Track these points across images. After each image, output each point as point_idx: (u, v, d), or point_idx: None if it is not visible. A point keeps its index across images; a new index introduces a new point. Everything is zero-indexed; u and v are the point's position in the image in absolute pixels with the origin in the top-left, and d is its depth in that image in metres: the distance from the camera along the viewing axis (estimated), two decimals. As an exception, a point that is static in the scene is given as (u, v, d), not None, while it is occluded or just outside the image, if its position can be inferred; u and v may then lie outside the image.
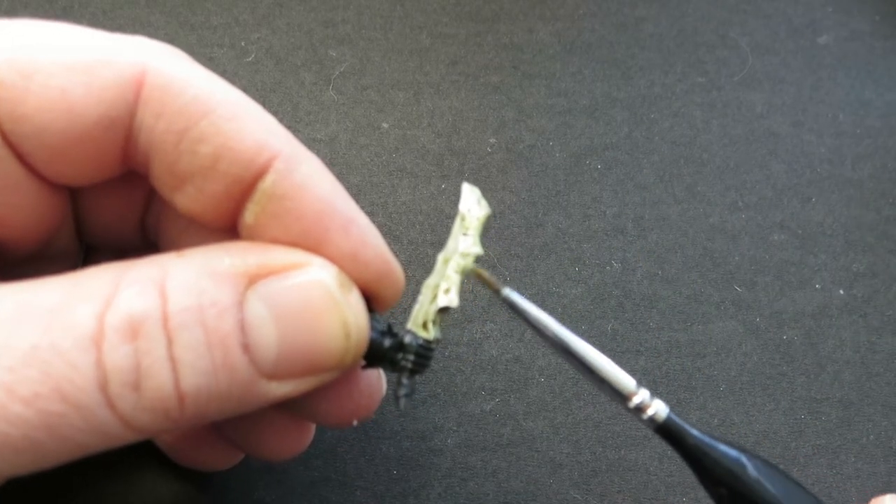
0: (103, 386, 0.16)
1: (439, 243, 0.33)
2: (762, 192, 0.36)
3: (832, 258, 0.34)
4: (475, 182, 0.35)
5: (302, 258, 0.19)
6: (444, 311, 0.22)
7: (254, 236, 0.20)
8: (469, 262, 0.22)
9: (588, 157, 0.36)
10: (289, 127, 0.38)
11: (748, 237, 0.34)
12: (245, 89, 0.37)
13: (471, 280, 0.32)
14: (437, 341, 0.22)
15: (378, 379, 0.24)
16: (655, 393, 0.30)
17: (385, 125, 0.36)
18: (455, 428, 0.29)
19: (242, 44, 0.38)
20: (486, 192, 0.35)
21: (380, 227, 0.34)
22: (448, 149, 0.36)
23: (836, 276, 0.34)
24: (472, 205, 0.22)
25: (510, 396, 0.30)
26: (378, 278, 0.21)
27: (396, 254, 0.33)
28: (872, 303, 0.33)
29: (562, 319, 0.32)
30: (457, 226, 0.22)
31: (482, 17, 0.40)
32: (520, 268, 0.33)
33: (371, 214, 0.34)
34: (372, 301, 0.21)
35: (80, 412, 0.16)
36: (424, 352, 0.22)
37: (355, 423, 0.23)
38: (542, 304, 0.32)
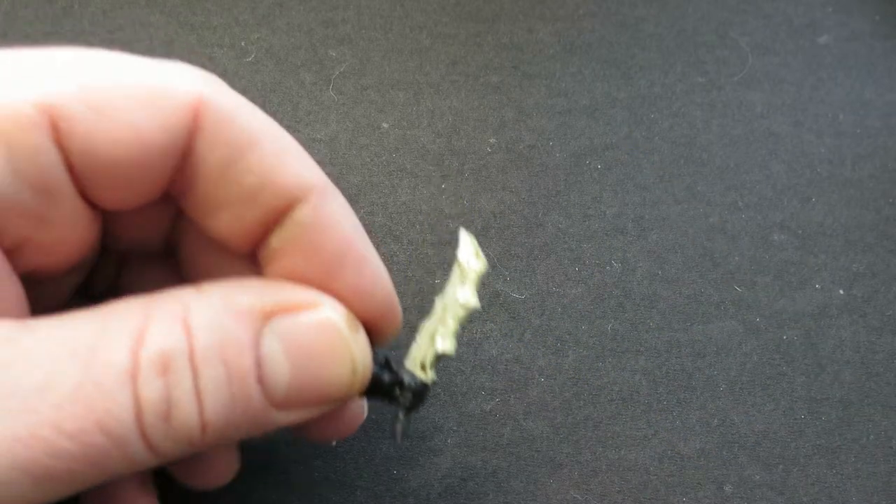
0: (139, 417, 0.17)
1: (439, 243, 0.33)
2: (762, 192, 0.36)
3: (832, 258, 0.34)
4: (475, 182, 0.35)
5: (314, 298, 0.20)
6: (440, 356, 0.23)
7: (274, 260, 0.21)
8: (465, 313, 0.23)
9: (588, 157, 0.36)
10: (289, 127, 0.38)
11: (748, 237, 0.34)
12: (245, 89, 0.37)
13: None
14: (433, 383, 0.23)
15: (360, 405, 0.25)
16: (656, 392, 0.31)
17: (385, 125, 0.36)
18: (455, 428, 0.29)
19: (242, 44, 0.38)
20: (486, 192, 0.35)
21: (380, 227, 0.34)
22: (448, 149, 0.36)
23: (836, 276, 0.34)
24: (470, 256, 0.23)
25: (510, 396, 0.30)
26: (382, 316, 0.22)
27: (396, 254, 0.33)
28: (872, 303, 0.33)
29: (562, 319, 0.32)
30: (455, 274, 0.23)
31: (482, 17, 0.40)
32: (520, 268, 0.33)
33: (371, 214, 0.34)
34: (371, 335, 0.22)
35: (117, 443, 0.17)
36: (421, 392, 0.23)
37: (334, 443, 0.25)
38: (542, 304, 0.32)
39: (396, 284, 0.31)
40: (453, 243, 0.33)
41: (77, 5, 0.38)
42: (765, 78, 0.39)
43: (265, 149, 0.19)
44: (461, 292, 0.23)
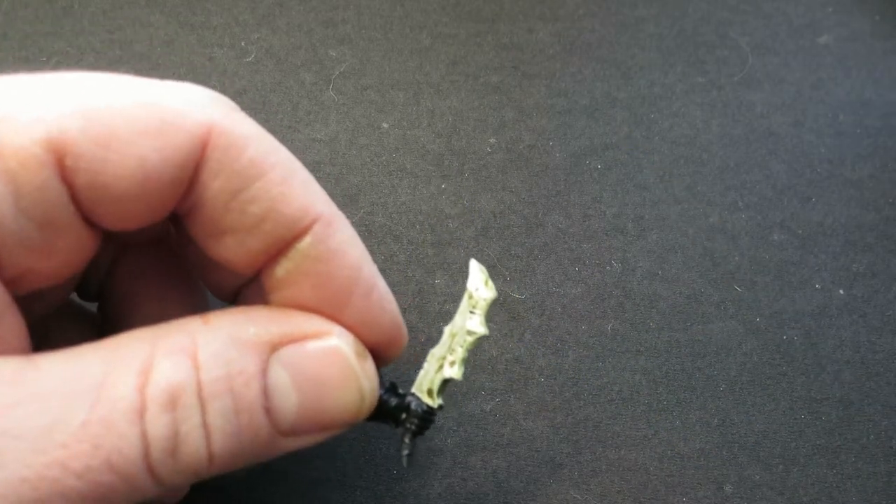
0: (146, 454, 0.17)
1: (439, 243, 0.33)
2: (762, 192, 0.36)
3: (832, 258, 0.34)
4: (475, 182, 0.35)
5: (322, 327, 0.21)
6: (447, 381, 0.23)
7: (280, 288, 0.21)
8: (473, 340, 0.23)
9: (588, 157, 0.36)
10: (289, 127, 0.38)
11: (748, 237, 0.34)
12: (245, 89, 0.37)
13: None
14: (440, 408, 0.24)
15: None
16: (656, 392, 0.31)
17: (385, 125, 0.36)
18: (455, 428, 0.29)
19: (242, 44, 0.38)
20: (486, 192, 0.35)
21: (380, 227, 0.34)
22: (448, 149, 0.36)
23: (836, 276, 0.34)
24: (480, 285, 0.23)
25: (510, 396, 0.30)
26: (387, 341, 0.22)
27: (396, 254, 0.33)
28: (872, 303, 0.33)
29: (561, 319, 0.32)
30: (464, 303, 0.23)
31: (482, 17, 0.40)
32: (520, 268, 0.33)
33: (371, 214, 0.34)
34: (376, 358, 0.23)
35: (125, 480, 0.17)
36: (427, 416, 0.24)
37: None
38: (542, 304, 0.32)
39: (396, 284, 0.32)
40: (453, 243, 0.33)
41: (77, 5, 0.38)
42: (765, 78, 0.39)
43: (271, 179, 0.19)
44: (470, 321, 0.23)
